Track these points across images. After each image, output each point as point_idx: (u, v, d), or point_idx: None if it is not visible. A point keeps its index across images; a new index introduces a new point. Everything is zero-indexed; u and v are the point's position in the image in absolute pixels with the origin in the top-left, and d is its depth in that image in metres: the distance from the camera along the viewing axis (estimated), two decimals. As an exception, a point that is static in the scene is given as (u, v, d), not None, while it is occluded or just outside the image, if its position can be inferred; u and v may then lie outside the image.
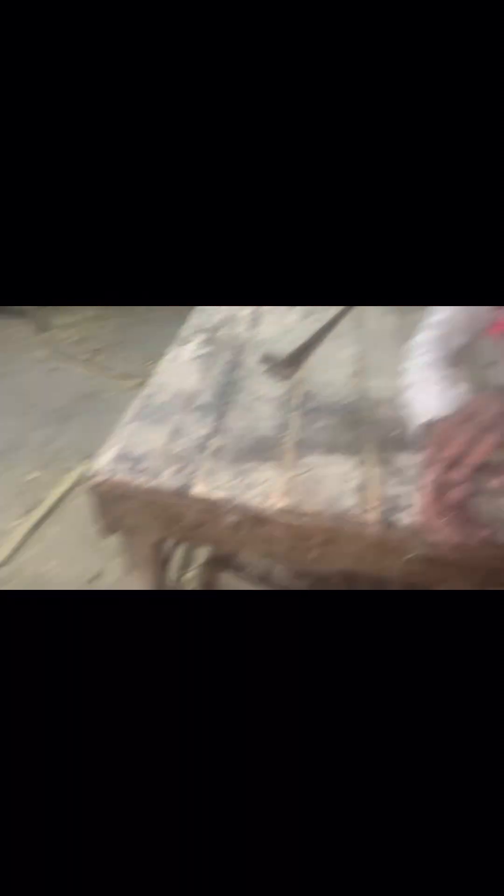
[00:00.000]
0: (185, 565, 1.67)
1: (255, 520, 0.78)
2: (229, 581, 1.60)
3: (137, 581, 1.10)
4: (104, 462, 0.82)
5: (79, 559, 1.70)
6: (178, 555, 1.67)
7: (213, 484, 0.79)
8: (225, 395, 1.02)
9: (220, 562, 1.64)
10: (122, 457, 0.83)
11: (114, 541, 1.76)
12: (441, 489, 0.61)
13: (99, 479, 0.80)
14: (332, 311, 1.20)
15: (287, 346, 1.12)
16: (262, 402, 1.00)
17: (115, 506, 0.82)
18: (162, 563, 1.17)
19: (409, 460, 0.83)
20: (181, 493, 0.78)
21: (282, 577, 1.63)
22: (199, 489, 0.78)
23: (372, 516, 0.74)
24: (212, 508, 0.78)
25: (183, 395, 1.01)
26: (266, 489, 0.79)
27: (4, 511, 1.80)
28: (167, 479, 0.80)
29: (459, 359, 0.85)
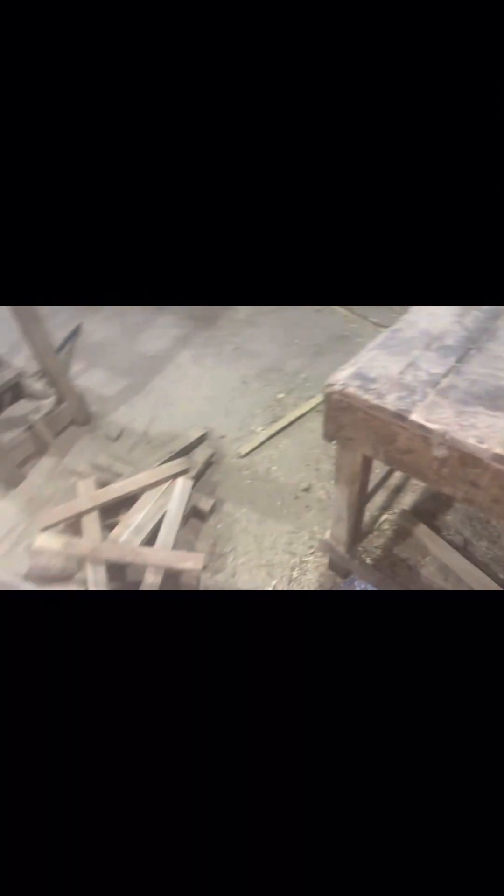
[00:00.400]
0: (385, 508, 1.75)
1: (464, 459, 0.79)
2: (423, 537, 1.60)
3: (340, 496, 1.26)
4: (341, 376, 0.96)
5: (297, 471, 2.00)
6: (381, 497, 1.75)
7: (432, 415, 0.84)
8: (474, 341, 0.99)
9: (421, 514, 1.65)
10: (357, 375, 0.95)
11: (328, 465, 1.97)
12: None
13: (334, 388, 0.95)
14: None
15: None
16: (516, 353, 0.94)
17: (340, 415, 0.97)
18: (366, 492, 1.29)
19: None
20: (399, 415, 0.86)
21: (480, 555, 1.52)
22: (417, 416, 0.84)
23: None
24: (424, 437, 0.84)
25: (429, 335, 1.04)
26: (485, 434, 0.78)
27: (255, 417, 2.24)
28: (390, 401, 0.88)
29: None
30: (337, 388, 0.95)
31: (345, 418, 0.97)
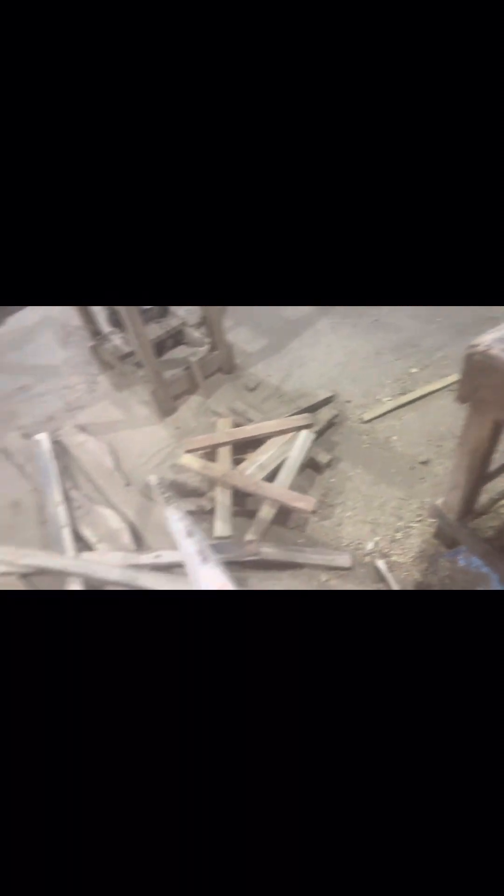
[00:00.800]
0: (507, 494, 1.71)
1: None
2: (545, 528, 1.55)
3: (460, 462, 1.30)
4: (487, 338, 1.01)
5: (418, 444, 2.02)
6: (500, 483, 1.71)
7: None
8: None
9: (545, 505, 1.59)
10: (503, 339, 1.00)
11: (451, 444, 1.96)
12: None
13: (476, 349, 1.01)
14: None
15: None
16: None
17: (479, 376, 1.03)
18: (489, 465, 1.31)
19: None
20: (541, 379, 0.90)
21: None
22: None
23: None
24: None
25: None
26: None
27: (384, 388, 2.29)
28: (534, 365, 0.92)
29: None
30: (480, 348, 1.01)
31: (482, 380, 1.02)
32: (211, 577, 0.64)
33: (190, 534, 0.96)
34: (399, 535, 1.74)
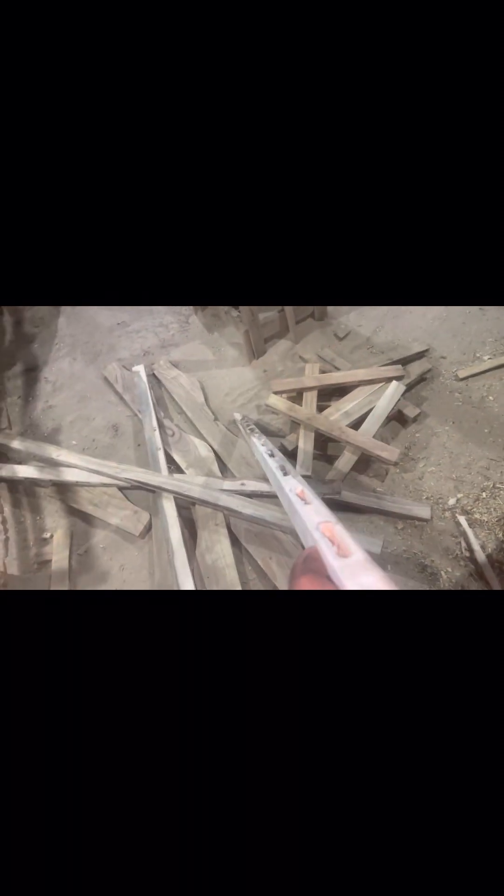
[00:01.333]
0: None
1: None
2: None
3: None
4: None
5: (517, 407, 1.91)
6: None
7: None
8: None
9: None
10: None
11: None
12: None
13: None
14: None
15: None
16: None
17: None
18: None
19: None
20: None
21: None
22: None
23: None
24: None
25: None
26: None
27: (485, 345, 2.15)
28: None
29: None
30: None
31: None
32: (292, 485, 0.71)
33: (272, 454, 1.04)
34: (484, 495, 1.70)
